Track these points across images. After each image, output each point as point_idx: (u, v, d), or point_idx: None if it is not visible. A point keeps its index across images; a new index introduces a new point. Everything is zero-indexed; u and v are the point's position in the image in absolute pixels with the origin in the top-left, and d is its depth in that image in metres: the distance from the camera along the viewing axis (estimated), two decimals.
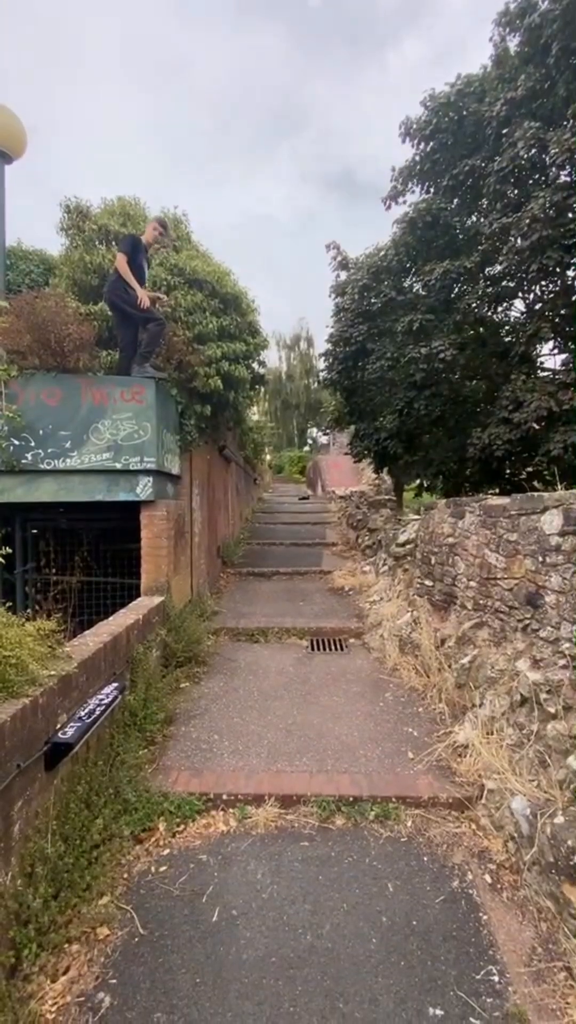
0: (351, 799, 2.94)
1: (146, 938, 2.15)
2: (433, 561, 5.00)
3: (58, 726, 2.38)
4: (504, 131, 7.63)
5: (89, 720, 2.54)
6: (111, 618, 3.79)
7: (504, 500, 3.81)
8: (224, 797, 2.95)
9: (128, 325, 4.84)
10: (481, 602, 3.93)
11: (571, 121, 6.39)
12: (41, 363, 4.44)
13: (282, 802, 2.94)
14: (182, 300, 5.45)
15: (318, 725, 3.79)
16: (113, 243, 5.54)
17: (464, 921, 2.25)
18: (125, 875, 2.46)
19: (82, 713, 2.58)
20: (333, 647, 5.52)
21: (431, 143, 8.48)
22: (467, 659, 3.78)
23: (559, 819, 2.25)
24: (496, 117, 7.57)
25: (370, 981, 1.97)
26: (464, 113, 8.07)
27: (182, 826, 2.78)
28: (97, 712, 2.65)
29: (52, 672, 2.44)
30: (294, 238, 78.48)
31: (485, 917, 2.26)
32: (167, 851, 2.63)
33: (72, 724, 2.45)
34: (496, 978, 1.98)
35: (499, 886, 2.43)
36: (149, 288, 5.22)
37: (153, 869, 2.51)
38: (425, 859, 2.61)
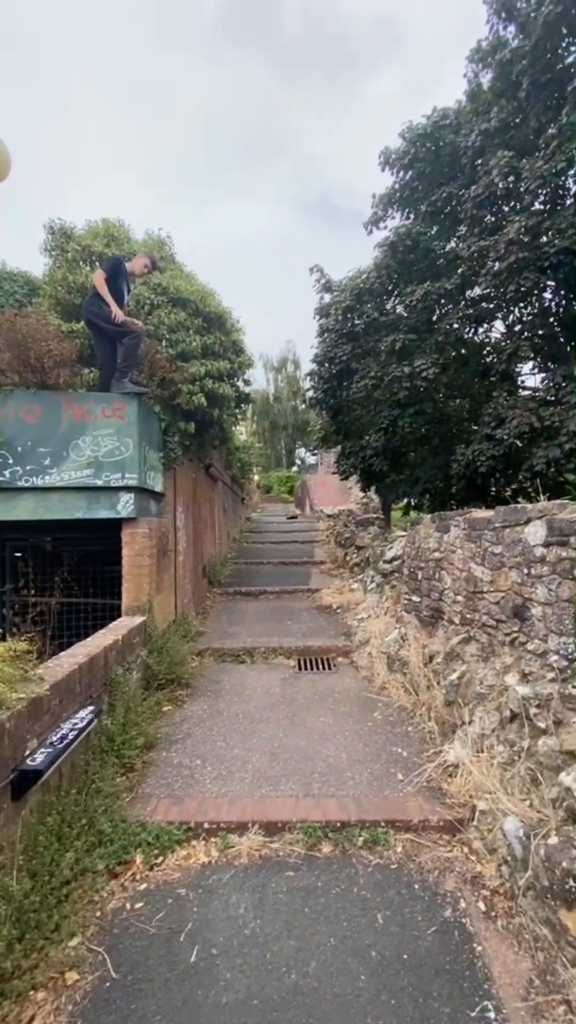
0: (338, 824, 2.82)
1: (119, 982, 2.00)
2: (420, 576, 4.96)
3: (27, 752, 2.25)
4: (479, 160, 7.92)
5: (61, 746, 2.42)
6: (89, 639, 3.66)
7: (488, 513, 3.79)
8: (206, 826, 2.81)
9: (105, 341, 4.81)
10: (468, 616, 3.87)
11: (543, 150, 6.63)
12: (21, 380, 4.38)
13: (267, 829, 2.81)
14: (165, 318, 5.47)
15: (305, 747, 3.67)
16: (96, 263, 5.56)
17: (457, 953, 2.13)
18: (98, 913, 2.31)
19: (54, 738, 2.45)
20: (321, 666, 5.41)
21: (410, 172, 8.76)
22: (455, 675, 3.71)
23: (553, 840, 2.16)
24: (472, 147, 7.86)
25: (359, 1023, 1.84)
26: (441, 144, 8.36)
27: (161, 858, 2.63)
28: (70, 737, 2.52)
29: (21, 695, 2.32)
30: (276, 261, 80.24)
31: (479, 948, 2.14)
32: (144, 886, 2.48)
33: (42, 750, 2.32)
34: (492, 1014, 1.86)
35: (494, 913, 2.31)
36: (132, 307, 5.23)
37: (128, 906, 2.36)
38: (416, 887, 2.49)
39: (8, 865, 2.05)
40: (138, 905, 2.37)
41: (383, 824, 2.82)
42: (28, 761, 2.21)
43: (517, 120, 7.50)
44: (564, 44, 6.67)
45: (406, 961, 2.10)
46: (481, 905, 2.36)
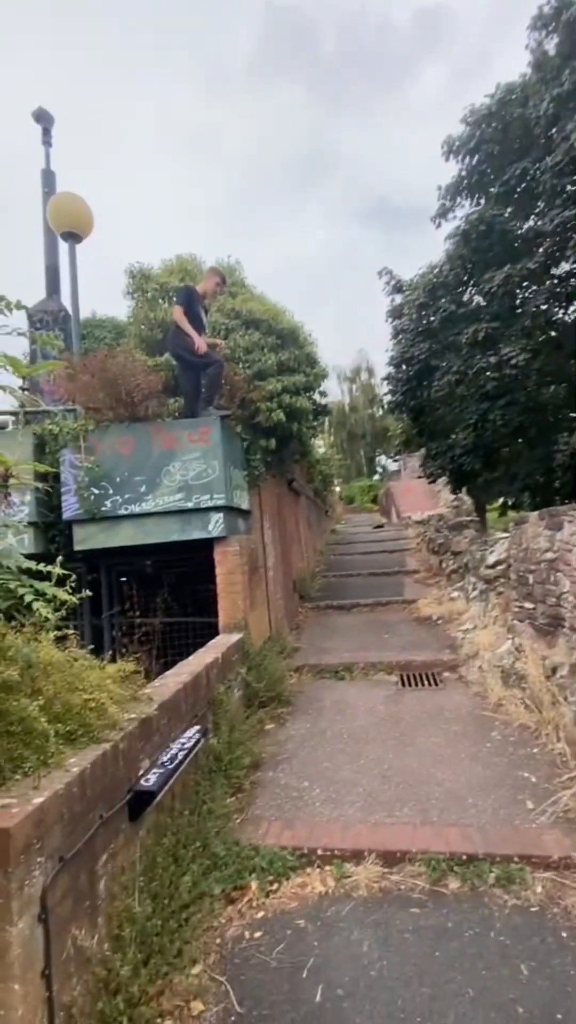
0: (464, 857, 2.56)
1: (243, 1017, 1.92)
2: (531, 580, 4.53)
3: (140, 773, 2.29)
4: (553, 129, 7.36)
5: (172, 766, 2.44)
6: (191, 657, 3.74)
7: None
8: (319, 852, 2.69)
9: (190, 371, 5.02)
10: None
11: None
12: (114, 415, 4.68)
13: (384, 859, 2.62)
14: (240, 341, 5.61)
15: (417, 770, 3.43)
16: (174, 298, 5.86)
17: None
18: (217, 940, 2.26)
19: (164, 758, 2.48)
20: (425, 682, 5.10)
21: (476, 155, 8.38)
22: None
23: None
24: (544, 116, 7.35)
25: None
26: (508, 120, 7.92)
27: (276, 885, 2.54)
28: (180, 757, 2.54)
29: (132, 715, 2.37)
30: (338, 275, 79.67)
31: None
32: (261, 914, 2.40)
33: (154, 771, 2.35)
34: None
35: None
36: (208, 334, 5.42)
37: (247, 935, 2.29)
38: (564, 935, 2.17)
39: (130, 887, 2.07)
40: (257, 934, 2.29)
41: (516, 859, 2.51)
42: (142, 782, 2.24)
43: None
44: None
45: (560, 1022, 1.82)
46: None
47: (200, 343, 4.83)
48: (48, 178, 6.58)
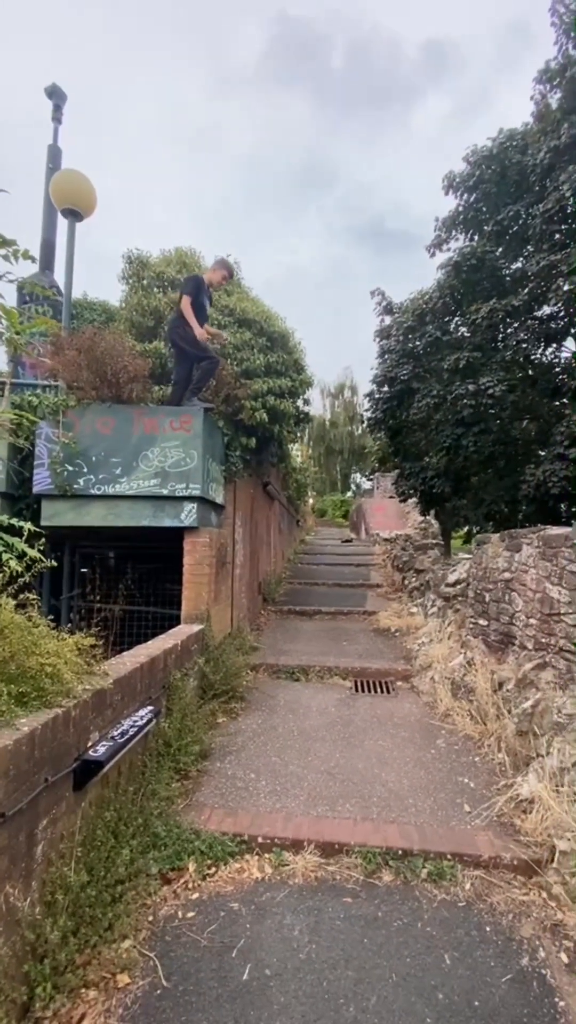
0: (400, 852, 2.63)
1: (169, 992, 1.93)
2: (487, 599, 4.70)
3: (89, 744, 2.28)
4: (548, 179, 7.78)
5: (122, 741, 2.43)
6: (150, 642, 3.72)
7: (566, 529, 3.56)
8: (260, 840, 2.71)
9: (184, 361, 5.05)
10: (543, 641, 3.61)
11: None
12: (97, 394, 4.66)
13: (323, 850, 2.67)
14: (231, 338, 5.67)
15: (362, 770, 3.50)
16: (169, 288, 5.89)
17: (536, 1007, 1.89)
18: (150, 918, 2.26)
19: (115, 733, 2.47)
20: (379, 689, 5.20)
21: (474, 194, 8.75)
22: (529, 703, 3.43)
23: None
24: (540, 165, 7.74)
25: None
26: (507, 164, 8.31)
27: (213, 869, 2.56)
28: (131, 733, 2.54)
29: (87, 686, 2.36)
30: (327, 291, 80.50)
31: (562, 1003, 1.90)
32: (196, 895, 2.40)
33: (104, 743, 2.34)
34: None
35: None
36: (209, 326, 5.45)
37: (180, 914, 2.29)
38: (487, 929, 2.26)
39: (67, 855, 2.05)
40: (190, 915, 2.29)
41: (449, 856, 2.60)
42: (91, 752, 2.23)
43: None
44: None
45: (477, 1009, 1.90)
46: (564, 956, 2.10)
47: (201, 334, 4.86)
48: (54, 154, 6.54)
